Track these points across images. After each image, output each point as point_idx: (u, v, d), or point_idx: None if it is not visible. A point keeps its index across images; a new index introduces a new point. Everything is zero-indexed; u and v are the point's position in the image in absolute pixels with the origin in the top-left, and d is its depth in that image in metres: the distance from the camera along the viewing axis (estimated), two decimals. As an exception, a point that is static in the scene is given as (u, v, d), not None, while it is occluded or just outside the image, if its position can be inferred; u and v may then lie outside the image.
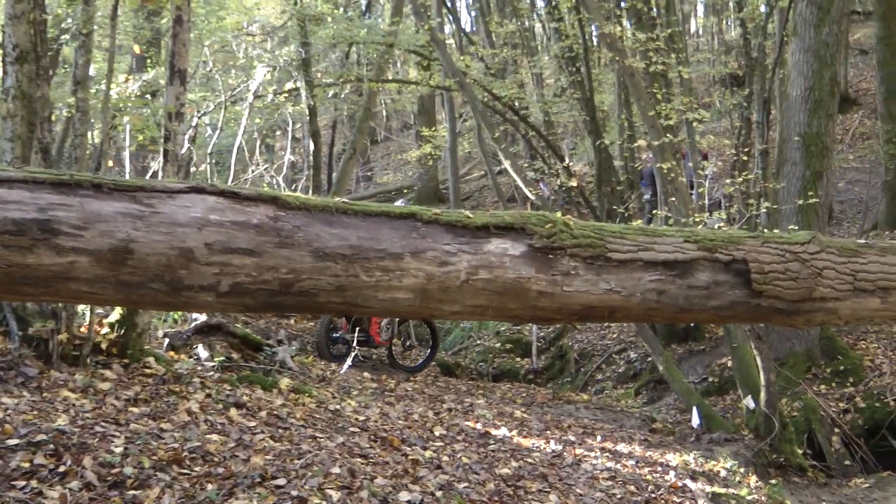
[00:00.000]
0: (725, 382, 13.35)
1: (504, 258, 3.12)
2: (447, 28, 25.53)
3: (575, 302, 3.24)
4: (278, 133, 30.01)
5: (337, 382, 9.28)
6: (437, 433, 7.58)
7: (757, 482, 8.51)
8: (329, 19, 18.71)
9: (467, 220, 3.14)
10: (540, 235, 3.17)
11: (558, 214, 3.35)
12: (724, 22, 34.52)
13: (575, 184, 17.42)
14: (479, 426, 8.28)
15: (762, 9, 18.34)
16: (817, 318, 3.52)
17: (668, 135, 12.42)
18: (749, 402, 10.82)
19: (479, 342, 16.88)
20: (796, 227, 11.25)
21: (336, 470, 5.56)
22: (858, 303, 3.49)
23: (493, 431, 8.18)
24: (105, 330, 7.18)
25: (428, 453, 6.76)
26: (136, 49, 16.65)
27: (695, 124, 14.57)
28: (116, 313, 7.22)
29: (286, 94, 19.72)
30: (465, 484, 6.20)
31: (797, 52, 13.29)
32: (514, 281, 3.13)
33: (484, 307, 3.19)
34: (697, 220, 11.29)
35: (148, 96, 14.27)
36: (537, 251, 3.16)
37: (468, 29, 33.43)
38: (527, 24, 26.75)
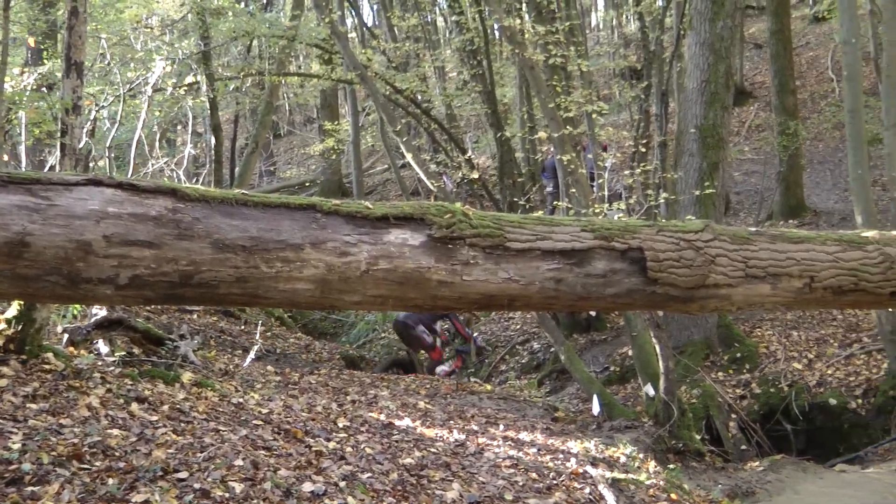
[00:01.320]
0: (627, 371, 13.61)
1: (404, 248, 3.14)
2: (349, 22, 25.49)
3: (474, 291, 3.27)
4: (179, 127, 29.63)
5: (240, 376, 9.24)
6: (340, 424, 7.59)
7: (656, 467, 8.68)
8: (229, 13, 18.52)
9: (367, 210, 3.16)
10: (439, 225, 3.19)
11: (458, 205, 3.39)
12: (623, 16, 35.01)
13: (477, 176, 17.52)
14: (382, 417, 8.31)
15: (659, 2, 18.66)
16: (711, 304, 3.60)
17: (568, 127, 12.57)
18: (648, 389, 11.04)
19: (383, 335, 16.91)
20: (693, 217, 11.49)
21: (239, 462, 5.55)
22: (750, 289, 3.58)
23: (397, 422, 8.22)
24: (2, 326, 7.06)
25: (331, 444, 6.77)
26: (31, 41, 16.31)
27: (595, 116, 14.75)
28: (13, 309, 7.09)
29: (186, 88, 19.47)
30: (369, 474, 6.23)
31: (693, 45, 13.58)
32: (413, 271, 3.15)
33: (385, 297, 3.21)
34: (597, 211, 11.46)
35: (44, 89, 13.99)
36: (437, 241, 3.18)
37: (370, 23, 33.40)
38: (429, 17, 26.82)
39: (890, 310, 10.26)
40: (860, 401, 11.98)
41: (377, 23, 34.58)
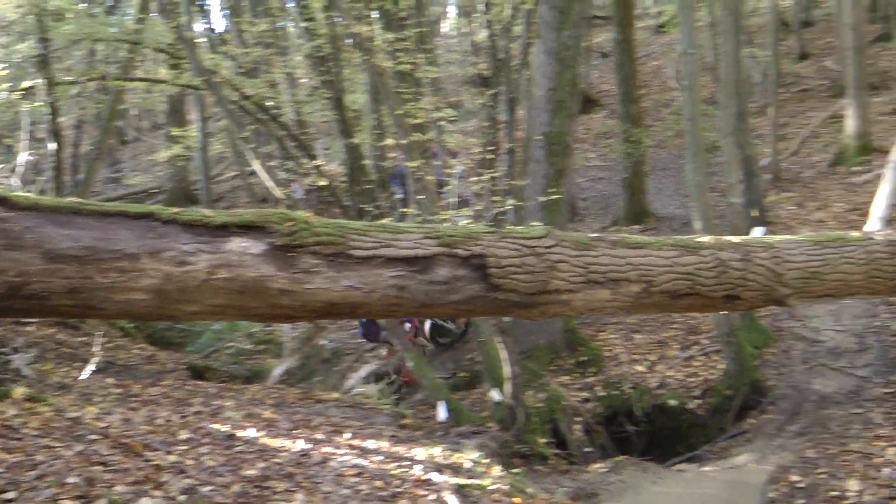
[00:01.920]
0: (475, 377, 13.70)
1: (244, 257, 3.10)
2: (199, 27, 25.04)
3: (317, 299, 3.25)
4: (18, 133, 28.65)
5: (78, 389, 8.96)
6: (181, 437, 7.44)
7: (501, 472, 8.75)
8: (70, 15, 17.98)
9: (207, 218, 3.11)
10: (281, 234, 3.16)
11: (301, 212, 3.36)
12: (473, 24, 35.30)
13: (326, 183, 17.43)
14: (226, 428, 8.18)
15: (508, 11, 18.86)
16: (552, 309, 3.65)
17: (416, 133, 12.61)
18: (495, 394, 11.15)
19: (231, 344, 16.66)
20: (540, 223, 11.65)
21: (72, 479, 5.38)
22: (590, 294, 3.64)
23: (240, 433, 8.09)
24: None
25: (171, 457, 6.62)
26: None
27: (443, 123, 14.83)
28: None
29: (23, 92, 18.80)
30: (210, 487, 6.12)
31: (540, 53, 13.82)
32: (254, 280, 3.12)
33: (224, 306, 3.16)
34: (445, 217, 11.52)
35: None
36: (278, 249, 3.15)
37: (222, 28, 32.88)
38: (282, 23, 26.57)
39: (724, 313, 10.62)
40: (698, 401, 12.37)
41: (228, 28, 34.05)
